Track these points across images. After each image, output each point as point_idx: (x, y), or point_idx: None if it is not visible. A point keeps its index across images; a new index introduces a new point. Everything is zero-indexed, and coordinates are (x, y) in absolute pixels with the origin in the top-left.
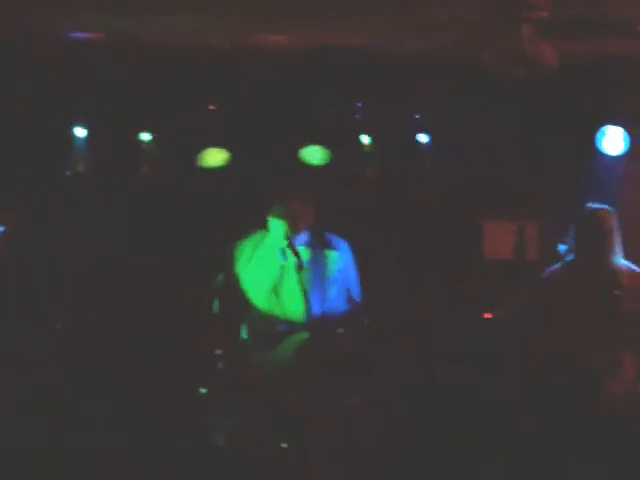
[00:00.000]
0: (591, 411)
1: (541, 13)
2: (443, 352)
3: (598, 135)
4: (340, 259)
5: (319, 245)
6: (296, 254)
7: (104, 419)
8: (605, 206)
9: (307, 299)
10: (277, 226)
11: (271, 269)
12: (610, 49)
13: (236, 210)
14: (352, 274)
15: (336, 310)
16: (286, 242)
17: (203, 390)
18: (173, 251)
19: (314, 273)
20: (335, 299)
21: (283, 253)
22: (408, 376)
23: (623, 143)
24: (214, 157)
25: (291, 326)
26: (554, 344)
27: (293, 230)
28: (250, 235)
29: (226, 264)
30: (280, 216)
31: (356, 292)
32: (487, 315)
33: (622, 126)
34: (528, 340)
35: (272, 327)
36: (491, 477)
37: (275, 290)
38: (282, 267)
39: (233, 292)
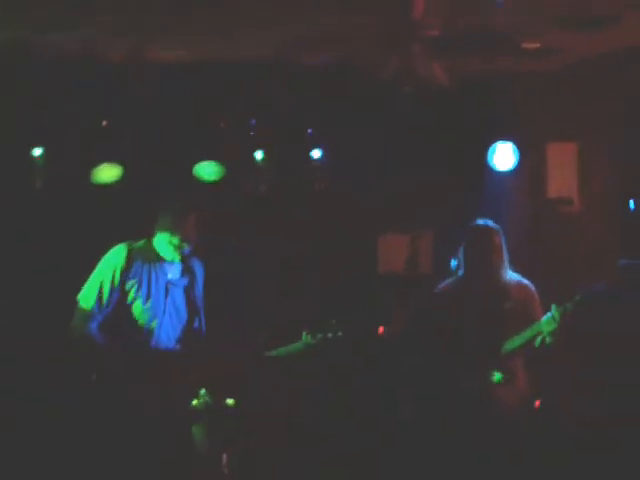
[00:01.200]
0: (486, 423)
1: (431, 32)
2: (337, 368)
3: (489, 151)
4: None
5: (196, 262)
6: (189, 270)
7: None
8: (490, 223)
9: (199, 317)
10: (166, 240)
11: (155, 284)
12: (499, 65)
13: (129, 226)
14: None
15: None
16: (178, 257)
17: None
18: (64, 267)
19: (197, 291)
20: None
21: (169, 269)
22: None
23: (513, 158)
24: (107, 173)
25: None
26: (446, 358)
27: (185, 245)
28: (129, 248)
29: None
30: (173, 230)
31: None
32: (380, 329)
33: (512, 141)
34: (420, 353)
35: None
36: None
37: (155, 307)
38: (167, 283)
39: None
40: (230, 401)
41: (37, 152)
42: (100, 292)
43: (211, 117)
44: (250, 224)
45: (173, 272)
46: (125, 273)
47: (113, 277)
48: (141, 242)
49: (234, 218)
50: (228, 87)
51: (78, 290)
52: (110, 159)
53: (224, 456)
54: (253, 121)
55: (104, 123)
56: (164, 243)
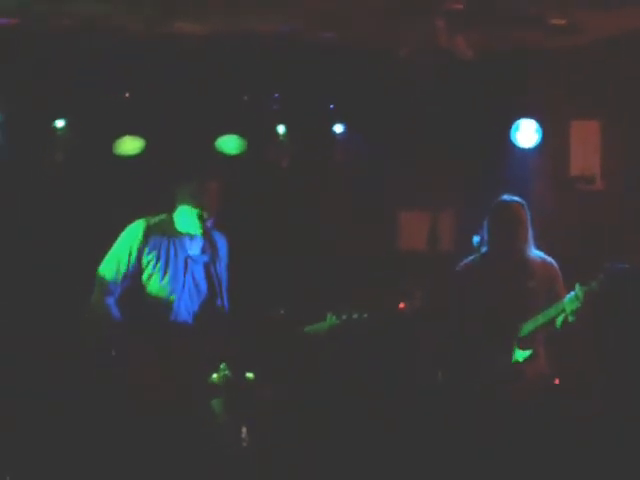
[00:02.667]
0: (509, 397)
1: (455, 5)
2: (357, 343)
3: (512, 128)
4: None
5: (219, 236)
6: (211, 245)
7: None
8: (517, 198)
9: (221, 292)
10: (188, 212)
11: (174, 259)
12: (523, 42)
13: (152, 199)
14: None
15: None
16: (200, 230)
17: None
18: (88, 238)
19: (218, 266)
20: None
21: (189, 244)
22: (321, 367)
23: (536, 136)
24: (129, 145)
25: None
26: (469, 336)
27: (207, 215)
28: (148, 222)
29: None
30: (194, 200)
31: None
32: (401, 306)
33: (535, 119)
34: (442, 331)
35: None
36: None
37: (174, 282)
38: (187, 258)
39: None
40: (250, 375)
41: (60, 124)
42: (118, 267)
43: (234, 90)
44: (271, 197)
45: (193, 247)
46: (142, 247)
47: (130, 252)
48: (161, 216)
49: (256, 191)
50: (251, 61)
51: (99, 263)
52: (132, 132)
53: (244, 429)
54: (276, 95)
55: (126, 95)
56: (185, 216)
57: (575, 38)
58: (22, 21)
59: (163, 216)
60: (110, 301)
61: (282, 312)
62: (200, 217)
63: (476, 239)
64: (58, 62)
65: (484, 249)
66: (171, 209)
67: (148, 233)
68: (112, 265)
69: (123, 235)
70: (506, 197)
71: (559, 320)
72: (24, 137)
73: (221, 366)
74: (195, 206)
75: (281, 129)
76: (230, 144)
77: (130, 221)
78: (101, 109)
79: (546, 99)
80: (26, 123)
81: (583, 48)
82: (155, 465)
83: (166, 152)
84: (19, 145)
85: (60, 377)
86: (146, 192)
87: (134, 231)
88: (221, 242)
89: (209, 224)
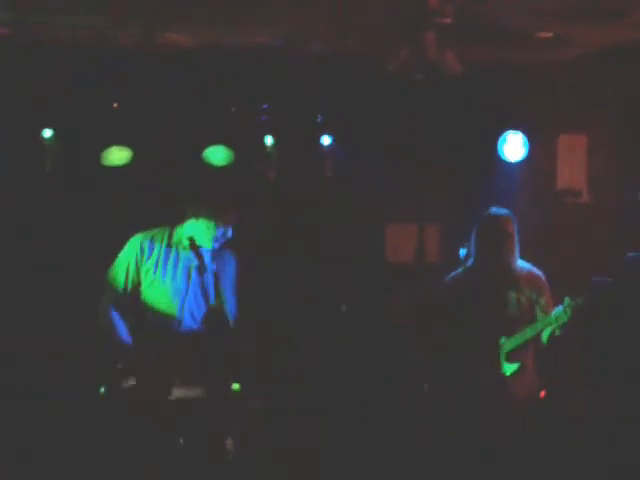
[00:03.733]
0: (495, 416)
1: (444, 20)
2: (341, 354)
3: (499, 141)
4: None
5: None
6: (200, 257)
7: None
8: (505, 210)
9: (228, 303)
10: (203, 228)
11: (174, 269)
12: (511, 56)
13: (139, 209)
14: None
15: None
16: (213, 244)
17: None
18: (76, 248)
19: (227, 275)
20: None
21: (194, 254)
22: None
23: (523, 149)
24: (117, 156)
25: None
26: (455, 348)
27: (226, 233)
28: (147, 234)
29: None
30: (213, 218)
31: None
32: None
33: (522, 132)
34: (428, 345)
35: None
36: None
37: (176, 289)
38: (190, 267)
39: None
40: (236, 386)
41: (47, 134)
42: (119, 279)
43: (222, 102)
44: (258, 209)
45: (193, 257)
46: (141, 258)
47: (129, 263)
48: (162, 228)
49: (242, 203)
50: (240, 72)
51: (87, 271)
52: (120, 142)
53: (229, 440)
54: (265, 105)
55: (115, 106)
56: (200, 231)
57: (562, 52)
58: (11, 32)
59: (165, 228)
60: (115, 314)
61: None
62: (217, 235)
63: (462, 252)
64: (46, 72)
65: (470, 262)
66: (176, 222)
67: (145, 243)
68: (117, 277)
69: (124, 248)
70: (494, 209)
71: (546, 334)
72: (11, 147)
73: (234, 387)
74: (212, 223)
75: (269, 140)
76: (217, 155)
77: (119, 230)
78: (89, 119)
79: (533, 113)
80: (13, 133)
81: (570, 62)
82: (156, 467)
83: (153, 163)
84: (6, 155)
85: (62, 379)
86: (133, 202)
87: (133, 243)
88: (228, 256)
89: (224, 239)
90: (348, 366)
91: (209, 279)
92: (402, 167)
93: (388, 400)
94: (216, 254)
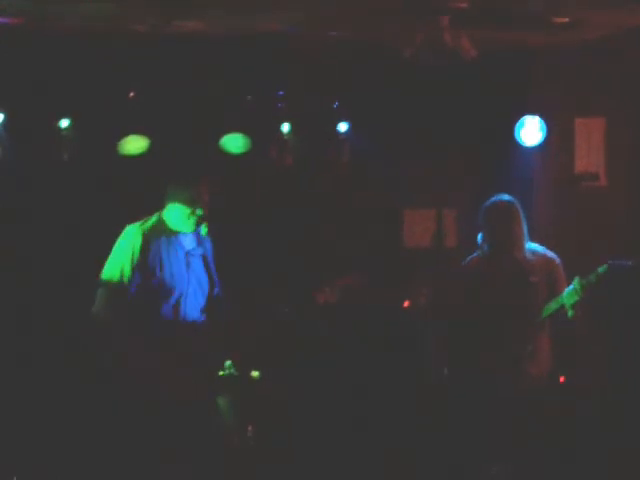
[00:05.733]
0: (511, 396)
1: (459, 4)
2: (361, 339)
3: (516, 125)
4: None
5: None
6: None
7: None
8: (506, 197)
9: (216, 285)
10: (179, 211)
11: (175, 257)
12: (527, 40)
13: (156, 198)
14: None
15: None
16: (193, 227)
17: None
18: (93, 237)
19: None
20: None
21: (184, 239)
22: (324, 362)
23: (540, 133)
24: (134, 144)
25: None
26: (474, 332)
27: (199, 213)
28: (143, 227)
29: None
30: (185, 200)
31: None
32: (406, 303)
33: (540, 116)
34: (447, 328)
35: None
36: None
37: (179, 280)
38: (186, 254)
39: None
40: (255, 373)
41: (64, 124)
42: (122, 273)
43: (238, 89)
44: (275, 196)
45: (188, 242)
46: (146, 252)
47: (133, 258)
48: (153, 219)
49: (260, 190)
50: (255, 60)
51: (104, 262)
52: (136, 131)
53: (249, 427)
54: (280, 92)
55: (131, 95)
56: (177, 215)
57: (578, 35)
58: (26, 21)
59: (154, 218)
60: (116, 308)
61: (286, 310)
62: (192, 216)
63: (481, 236)
64: (62, 62)
65: (486, 246)
66: (160, 209)
67: (147, 237)
68: (116, 272)
69: (121, 242)
70: (495, 197)
71: (569, 312)
72: (29, 137)
73: (226, 364)
74: (186, 205)
75: (285, 128)
76: (234, 143)
77: (135, 219)
78: (105, 109)
79: (550, 97)
80: (31, 123)
81: (587, 45)
82: (160, 463)
83: (170, 151)
84: (23, 145)
85: (64, 377)
86: (150, 191)
87: (133, 237)
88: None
89: (201, 220)
90: (363, 353)
91: (199, 263)
92: (419, 153)
93: (405, 385)
94: (199, 238)
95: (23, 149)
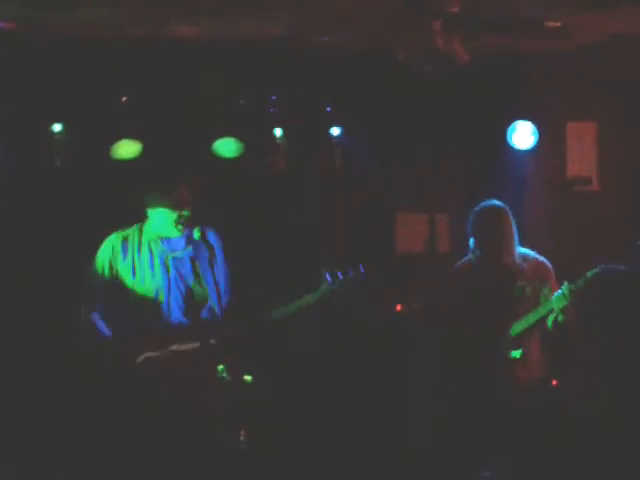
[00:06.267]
0: (501, 399)
1: (452, 9)
2: (355, 343)
3: (508, 129)
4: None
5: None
6: (201, 241)
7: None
8: (496, 202)
9: (218, 289)
10: (162, 216)
11: (149, 264)
12: (519, 44)
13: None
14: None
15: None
16: (179, 231)
17: None
18: (86, 242)
19: (204, 260)
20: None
21: (167, 244)
22: (320, 366)
23: (532, 138)
24: (127, 149)
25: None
26: (464, 336)
27: (184, 215)
28: (118, 235)
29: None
30: (166, 204)
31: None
32: (398, 307)
33: (532, 121)
34: (439, 332)
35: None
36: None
37: (158, 284)
38: (166, 258)
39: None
40: (248, 377)
41: (57, 128)
42: (97, 282)
43: (231, 94)
44: (268, 200)
45: (172, 246)
46: (116, 258)
47: (104, 266)
48: (132, 227)
49: (253, 194)
50: (248, 64)
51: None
52: (129, 135)
53: (242, 432)
54: (273, 97)
55: (123, 100)
56: (162, 220)
57: (571, 40)
58: (19, 25)
59: (134, 226)
60: (95, 316)
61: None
62: (179, 218)
63: (472, 241)
64: (55, 66)
65: (477, 251)
66: (142, 219)
67: (118, 246)
68: (93, 281)
69: (98, 253)
70: (485, 203)
71: (550, 319)
72: (21, 141)
73: (218, 368)
74: (171, 209)
75: (278, 132)
76: (227, 147)
77: (128, 225)
78: (98, 113)
79: (542, 101)
80: (23, 127)
81: (579, 50)
82: (155, 464)
83: (163, 155)
84: (16, 149)
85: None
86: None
87: (107, 245)
88: (214, 239)
89: (186, 222)
90: (357, 355)
91: (186, 266)
92: (412, 157)
93: (398, 386)
94: (193, 240)
95: (15, 154)
